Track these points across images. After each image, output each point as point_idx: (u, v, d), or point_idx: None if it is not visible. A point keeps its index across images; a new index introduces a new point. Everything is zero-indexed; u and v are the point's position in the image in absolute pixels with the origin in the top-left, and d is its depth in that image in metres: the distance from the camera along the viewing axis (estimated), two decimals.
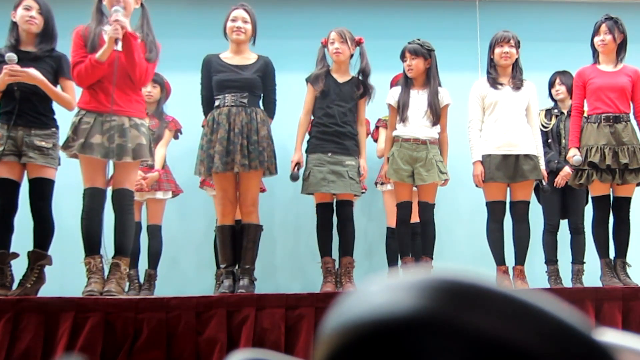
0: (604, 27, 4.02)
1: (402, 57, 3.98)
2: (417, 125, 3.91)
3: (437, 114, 3.91)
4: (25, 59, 3.51)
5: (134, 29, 3.49)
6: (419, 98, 3.95)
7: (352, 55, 3.99)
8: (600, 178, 3.91)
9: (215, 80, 3.77)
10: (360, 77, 3.95)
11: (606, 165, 3.88)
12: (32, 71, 3.46)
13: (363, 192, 4.03)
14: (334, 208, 3.93)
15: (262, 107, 3.84)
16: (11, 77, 3.43)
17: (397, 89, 4.04)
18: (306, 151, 3.94)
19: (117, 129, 3.33)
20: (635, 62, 4.18)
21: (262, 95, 3.85)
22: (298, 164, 3.89)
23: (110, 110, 3.31)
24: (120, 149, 3.32)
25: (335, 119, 3.87)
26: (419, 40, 3.96)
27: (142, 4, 3.54)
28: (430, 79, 3.94)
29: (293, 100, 4.19)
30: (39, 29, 3.59)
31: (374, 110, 4.39)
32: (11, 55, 3.45)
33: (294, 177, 3.90)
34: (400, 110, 3.94)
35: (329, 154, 3.84)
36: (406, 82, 4.00)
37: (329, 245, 3.91)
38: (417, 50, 3.91)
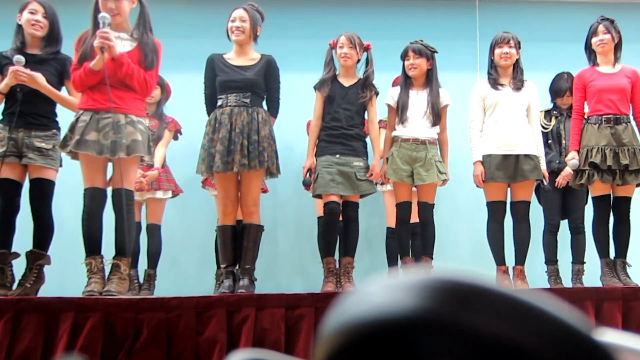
0: (601, 28, 4.02)
1: (404, 56, 3.98)
2: (417, 125, 3.92)
3: (437, 114, 3.91)
4: (30, 62, 3.53)
5: (132, 29, 3.47)
6: (418, 98, 3.95)
7: (359, 60, 4.00)
8: (601, 178, 3.92)
9: (218, 81, 3.77)
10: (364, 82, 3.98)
11: (607, 166, 3.89)
12: (37, 76, 3.46)
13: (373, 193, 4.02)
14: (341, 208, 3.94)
15: (265, 106, 3.84)
16: (16, 79, 3.44)
17: (396, 90, 4.04)
18: (315, 154, 3.94)
19: (112, 126, 3.32)
20: (634, 62, 4.19)
21: (265, 94, 3.85)
22: (310, 170, 3.89)
23: (110, 108, 3.29)
24: (114, 144, 3.31)
25: (341, 122, 3.89)
26: (421, 41, 3.97)
27: (140, 2, 3.49)
28: (432, 79, 3.96)
29: (296, 100, 4.19)
30: (44, 32, 3.60)
31: None
32: (19, 58, 3.47)
33: (307, 183, 3.90)
34: (400, 111, 3.94)
35: (337, 155, 3.85)
36: (405, 83, 4.00)
37: (333, 245, 3.91)
38: (422, 50, 3.93)
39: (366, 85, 3.94)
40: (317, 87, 3.97)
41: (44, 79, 3.50)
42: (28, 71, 3.46)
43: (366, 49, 3.98)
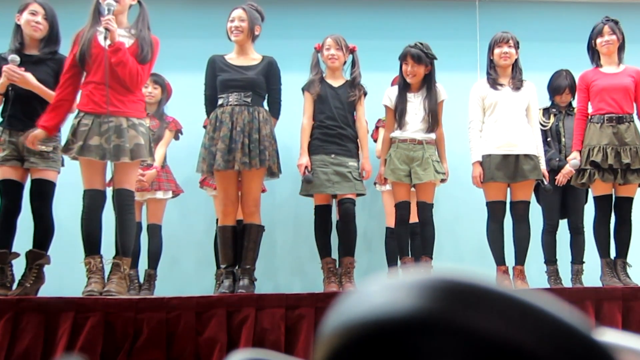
0: (607, 29, 4.02)
1: (402, 59, 3.96)
2: (415, 128, 3.92)
3: (435, 119, 3.91)
4: (27, 62, 3.52)
5: (131, 25, 3.48)
6: (416, 102, 3.95)
7: (345, 62, 4.03)
8: (602, 178, 3.91)
9: (219, 80, 3.77)
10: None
11: (608, 165, 3.88)
12: (28, 76, 3.46)
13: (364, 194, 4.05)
14: (332, 210, 3.94)
15: (266, 106, 3.84)
16: (8, 78, 3.44)
17: (393, 90, 4.04)
18: (308, 152, 3.94)
19: (115, 130, 3.32)
20: (635, 62, 4.19)
21: (266, 95, 3.85)
22: (307, 167, 3.89)
23: (107, 112, 3.30)
24: (118, 149, 3.31)
25: (337, 121, 3.90)
26: (421, 44, 3.91)
27: (140, 2, 3.53)
28: (429, 84, 3.94)
29: (294, 100, 4.19)
30: (43, 34, 3.59)
31: (374, 110, 4.39)
32: (14, 57, 3.46)
33: (308, 180, 3.89)
34: (398, 115, 3.94)
35: (332, 155, 3.86)
36: (403, 85, 3.99)
37: (329, 247, 3.92)
38: (421, 57, 3.87)
39: (354, 85, 3.96)
40: (306, 87, 3.98)
41: (34, 78, 3.49)
42: (20, 71, 3.46)
43: (352, 51, 4.02)
